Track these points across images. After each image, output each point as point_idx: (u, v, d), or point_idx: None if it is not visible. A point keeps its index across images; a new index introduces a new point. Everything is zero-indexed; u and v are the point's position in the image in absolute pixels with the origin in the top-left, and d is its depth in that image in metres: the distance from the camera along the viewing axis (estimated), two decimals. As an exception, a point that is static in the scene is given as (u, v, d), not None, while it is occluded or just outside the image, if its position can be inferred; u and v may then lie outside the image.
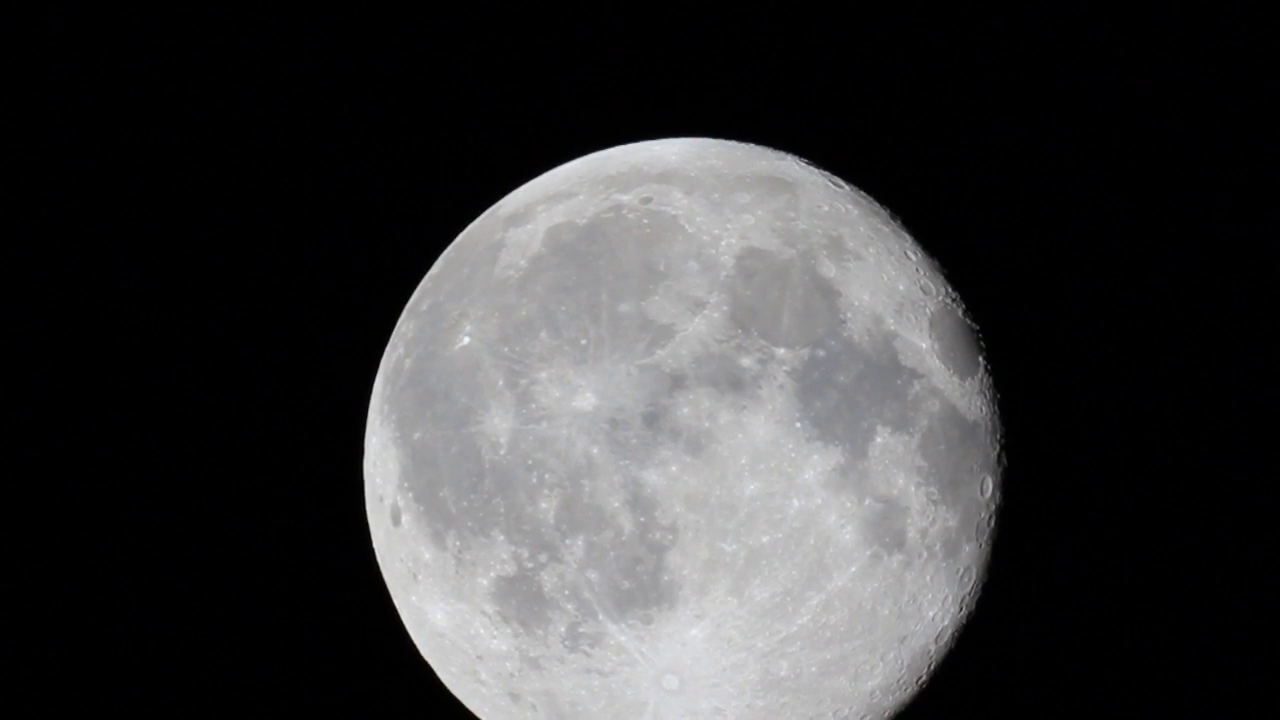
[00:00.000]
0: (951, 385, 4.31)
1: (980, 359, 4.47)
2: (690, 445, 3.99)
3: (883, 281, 4.32)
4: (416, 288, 4.78)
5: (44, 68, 6.04)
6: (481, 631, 4.32)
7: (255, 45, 6.09)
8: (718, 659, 4.16)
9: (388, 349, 4.74)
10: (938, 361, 4.30)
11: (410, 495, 4.38)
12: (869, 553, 4.14)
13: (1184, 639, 5.94)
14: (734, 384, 4.03)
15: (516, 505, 4.11)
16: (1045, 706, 5.81)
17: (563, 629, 4.18)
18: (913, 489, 4.19)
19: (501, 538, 4.15)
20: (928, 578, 4.30)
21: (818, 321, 4.15)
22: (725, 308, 4.10)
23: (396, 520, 4.45)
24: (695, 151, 4.61)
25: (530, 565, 4.13)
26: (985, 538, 4.46)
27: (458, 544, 4.24)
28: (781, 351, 4.08)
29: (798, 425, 4.04)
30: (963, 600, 4.49)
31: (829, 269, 4.26)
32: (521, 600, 4.19)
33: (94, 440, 6.05)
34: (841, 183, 4.65)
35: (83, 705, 5.96)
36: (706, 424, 4.00)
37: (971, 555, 4.43)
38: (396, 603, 4.73)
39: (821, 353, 4.11)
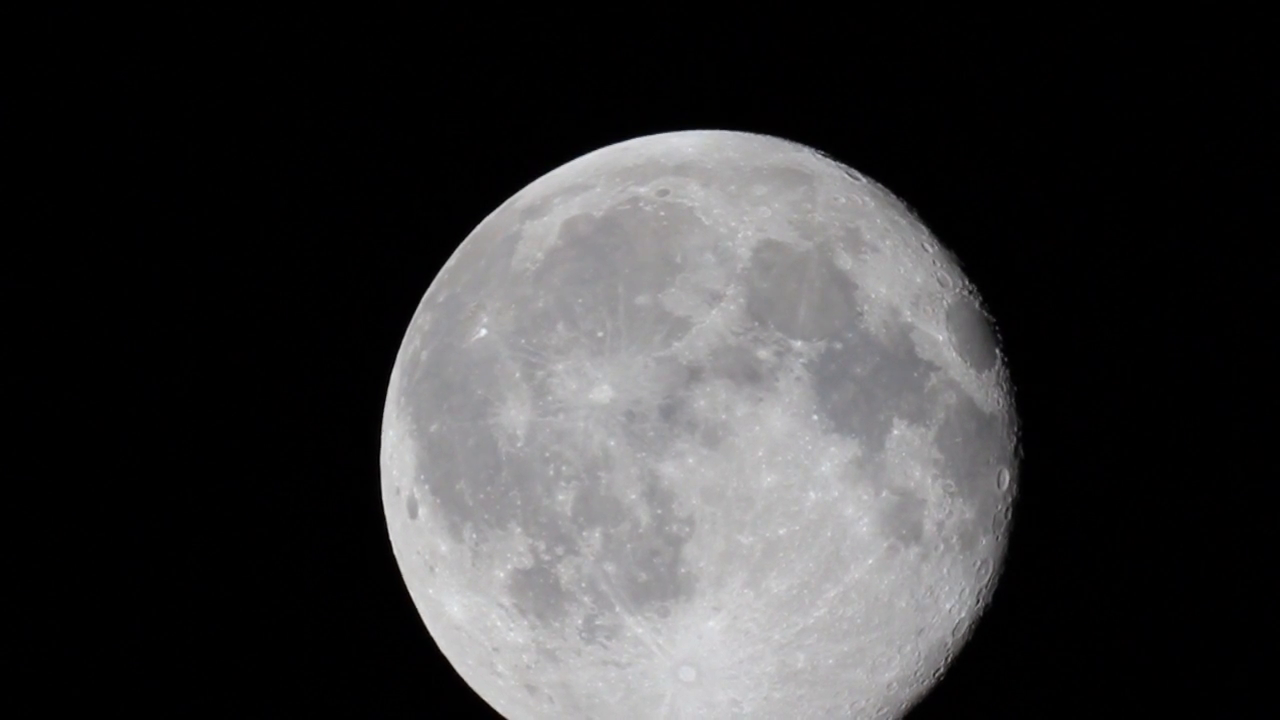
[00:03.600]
0: (968, 377, 4.31)
1: (997, 351, 4.46)
2: (707, 437, 3.99)
3: (900, 274, 4.32)
4: (433, 280, 4.79)
5: (66, 69, 6.07)
6: (498, 623, 4.33)
7: (276, 37, 6.11)
8: (735, 651, 4.16)
9: (404, 341, 4.74)
10: (954, 354, 4.29)
11: (427, 487, 4.39)
12: (886, 545, 4.14)
13: (1200, 631, 5.93)
14: (751, 376, 4.02)
15: (533, 497, 4.12)
16: (1062, 699, 5.80)
17: (579, 621, 4.19)
18: (929, 481, 4.18)
19: (518, 530, 4.15)
20: (945, 570, 4.30)
21: (835, 314, 4.15)
22: (742, 300, 4.09)
23: (413, 512, 4.46)
24: (712, 144, 4.60)
25: (547, 557, 4.13)
26: (1002, 530, 4.45)
27: (474, 536, 4.25)
28: (798, 344, 4.07)
29: (814, 417, 4.04)
30: (980, 592, 4.48)
31: (846, 261, 4.25)
32: (538, 592, 4.19)
33: (109, 433, 6.08)
34: (858, 175, 4.64)
35: (100, 695, 5.99)
36: (723, 416, 4.00)
37: (988, 547, 4.42)
38: (413, 595, 4.74)
39: (838, 345, 4.11)
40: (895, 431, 4.12)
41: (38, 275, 6.07)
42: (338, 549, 5.89)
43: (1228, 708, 5.85)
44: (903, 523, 4.15)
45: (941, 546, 4.25)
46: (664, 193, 4.33)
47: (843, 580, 4.12)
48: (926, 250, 4.46)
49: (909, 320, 4.24)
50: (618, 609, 4.12)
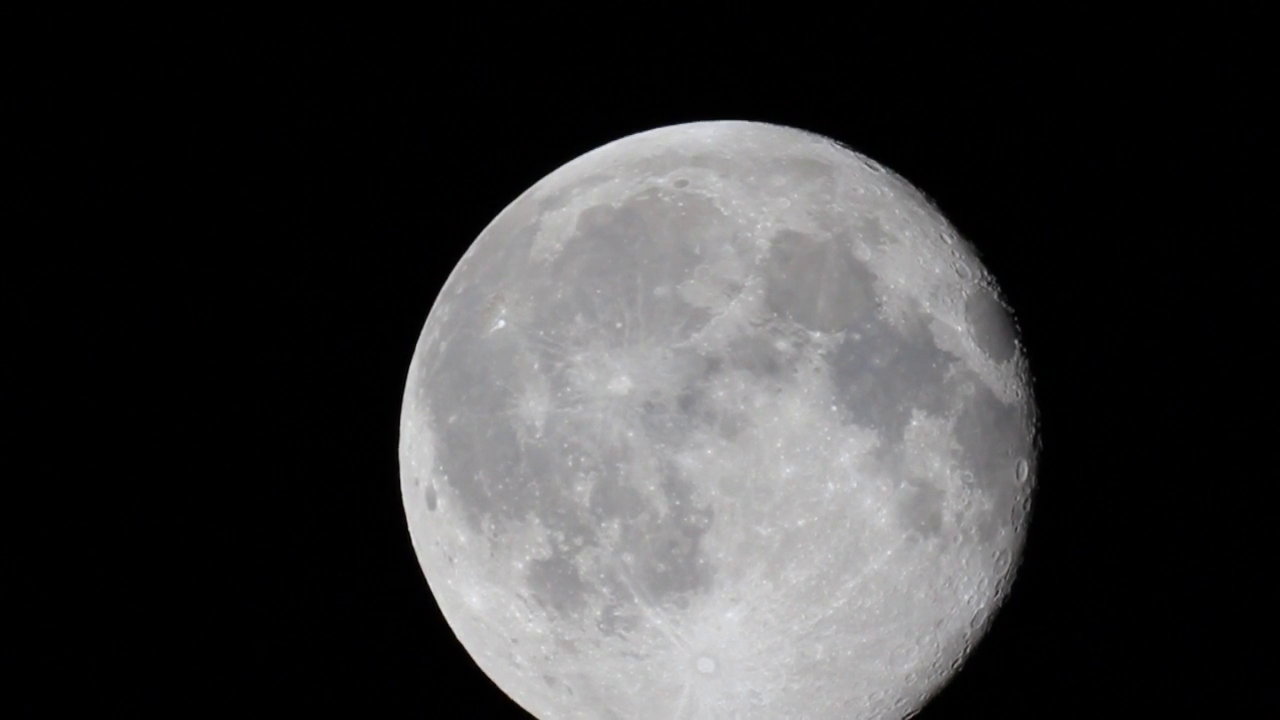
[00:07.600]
0: (987, 368, 4.30)
1: (1016, 342, 4.44)
2: (726, 428, 3.99)
3: (918, 264, 4.31)
4: (452, 271, 4.79)
5: (80, 72, 6.09)
6: (517, 615, 4.34)
7: (294, 31, 6.12)
8: (753, 642, 4.17)
9: (423, 332, 4.75)
10: (973, 344, 4.28)
11: (445, 479, 4.40)
12: (905, 536, 4.14)
13: (1218, 623, 5.91)
14: (769, 367, 4.02)
15: (552, 488, 4.12)
16: (1081, 691, 5.79)
17: (598, 612, 4.19)
18: (948, 472, 4.18)
19: (537, 521, 4.16)
20: (963, 561, 4.29)
21: (853, 305, 4.14)
22: (761, 291, 4.09)
23: (432, 504, 4.47)
24: (731, 134, 4.60)
25: (566, 548, 4.14)
26: (1021, 521, 4.45)
27: (493, 527, 4.25)
28: (817, 335, 4.07)
29: (833, 408, 4.04)
30: (998, 584, 4.48)
31: (865, 252, 4.25)
32: (557, 583, 4.20)
33: (123, 428, 6.11)
34: (877, 165, 4.63)
35: (120, 682, 6.02)
36: (742, 407, 4.00)
37: (1007, 539, 4.41)
38: (432, 586, 4.75)
39: (857, 336, 4.10)
40: (914, 422, 4.12)
41: (68, 267, 6.11)
42: (357, 540, 5.91)
43: (1240, 702, 5.83)
44: (921, 514, 4.15)
45: (960, 538, 4.25)
46: (683, 183, 4.33)
47: (861, 571, 4.12)
48: (945, 241, 4.45)
49: (928, 311, 4.23)
50: (636, 600, 4.13)
